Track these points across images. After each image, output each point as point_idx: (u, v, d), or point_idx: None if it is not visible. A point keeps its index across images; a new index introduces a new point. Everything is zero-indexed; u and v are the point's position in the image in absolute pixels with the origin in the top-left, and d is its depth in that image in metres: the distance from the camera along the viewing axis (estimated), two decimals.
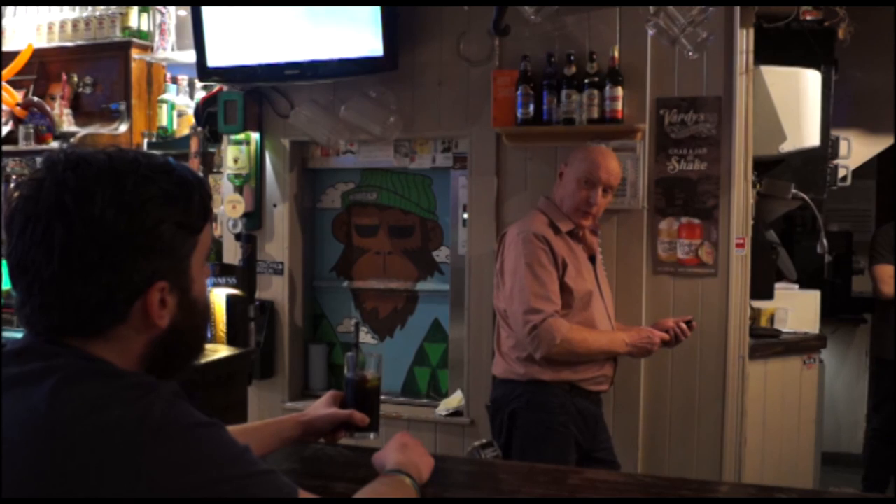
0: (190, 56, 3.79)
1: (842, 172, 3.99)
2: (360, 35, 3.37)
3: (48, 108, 4.48)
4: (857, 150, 4.09)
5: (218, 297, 3.60)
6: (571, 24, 3.28)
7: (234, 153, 3.73)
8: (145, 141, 4.32)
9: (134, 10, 4.37)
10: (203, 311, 1.12)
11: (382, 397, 3.90)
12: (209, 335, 3.61)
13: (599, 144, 2.94)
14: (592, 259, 2.76)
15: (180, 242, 1.03)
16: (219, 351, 3.27)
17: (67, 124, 4.46)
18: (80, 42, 4.47)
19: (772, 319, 3.66)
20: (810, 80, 3.47)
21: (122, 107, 4.39)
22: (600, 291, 2.73)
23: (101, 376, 0.97)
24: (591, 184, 2.61)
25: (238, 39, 3.57)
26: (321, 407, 1.58)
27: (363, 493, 1.25)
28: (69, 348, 0.99)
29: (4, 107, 4.44)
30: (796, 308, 3.72)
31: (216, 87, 3.82)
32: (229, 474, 0.97)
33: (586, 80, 3.17)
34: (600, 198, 2.64)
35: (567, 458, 2.56)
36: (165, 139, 4.26)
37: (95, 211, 0.96)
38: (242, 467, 0.99)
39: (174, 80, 4.34)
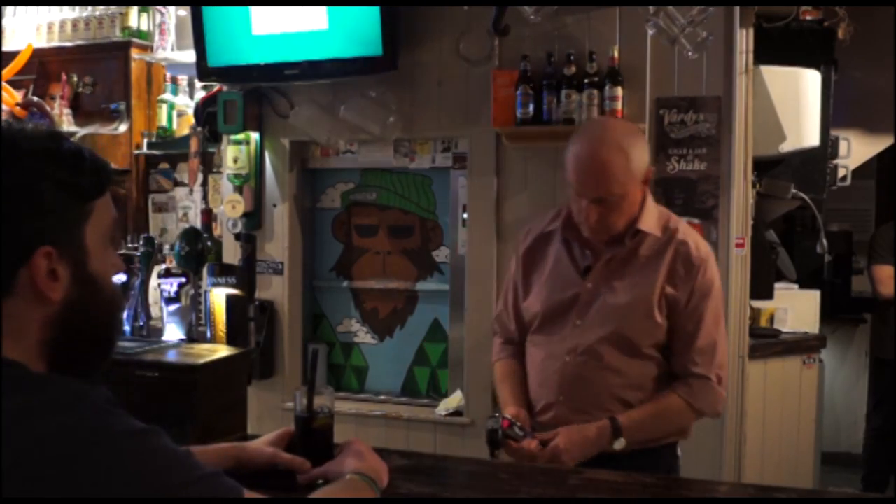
0: (190, 56, 3.79)
1: (842, 172, 4.00)
2: (360, 35, 3.36)
3: (48, 108, 4.47)
4: (856, 150, 4.10)
5: (218, 297, 3.60)
6: (571, 24, 3.28)
7: (234, 153, 3.73)
8: (145, 141, 4.32)
9: (134, 10, 4.36)
10: (108, 293, 1.06)
11: (382, 398, 3.92)
12: (209, 335, 3.61)
13: (591, 133, 2.06)
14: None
15: (65, 206, 0.99)
16: (219, 351, 3.27)
17: (67, 124, 4.45)
18: (79, 42, 4.46)
19: (772, 319, 3.66)
20: (810, 80, 3.47)
21: (122, 107, 4.37)
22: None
23: (27, 385, 0.93)
24: (579, 194, 1.94)
25: (238, 39, 3.57)
26: (266, 444, 1.48)
27: (321, 493, 1.25)
28: None
29: (4, 107, 4.43)
30: (796, 308, 3.72)
31: (216, 87, 3.81)
32: (170, 482, 0.94)
33: (586, 80, 3.17)
34: (593, 211, 1.90)
35: None
36: (165, 139, 4.26)
37: None
38: (183, 474, 0.96)
39: (174, 80, 4.34)
